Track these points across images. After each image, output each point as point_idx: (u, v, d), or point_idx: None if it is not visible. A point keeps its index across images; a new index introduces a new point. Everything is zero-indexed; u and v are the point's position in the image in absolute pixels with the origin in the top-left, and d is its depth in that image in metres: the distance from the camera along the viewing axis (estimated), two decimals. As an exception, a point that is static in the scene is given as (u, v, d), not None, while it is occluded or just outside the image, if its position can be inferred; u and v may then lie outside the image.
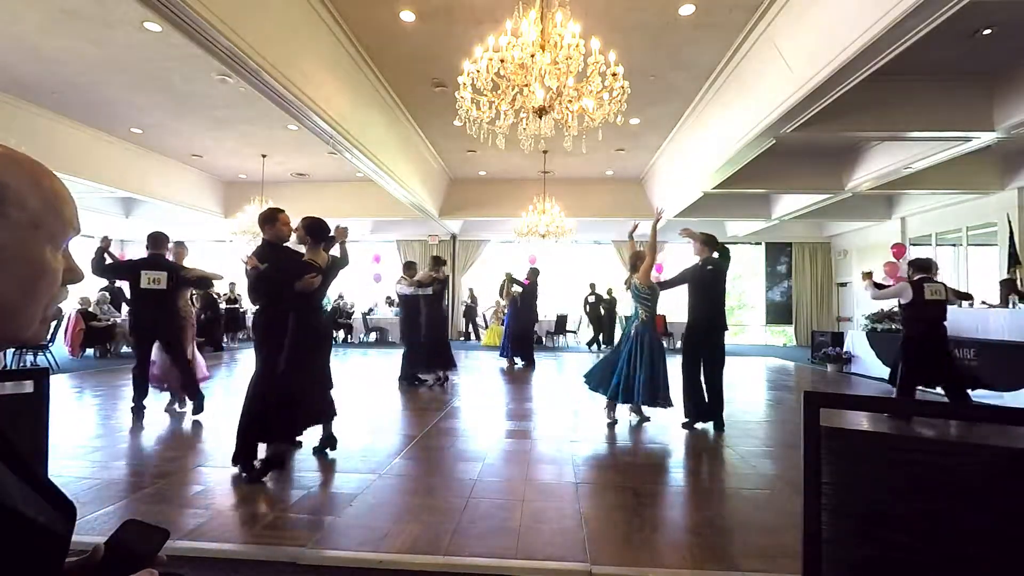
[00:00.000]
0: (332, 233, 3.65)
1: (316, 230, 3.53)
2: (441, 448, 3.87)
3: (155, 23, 5.20)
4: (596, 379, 4.84)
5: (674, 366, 4.63)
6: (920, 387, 5.30)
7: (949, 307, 5.10)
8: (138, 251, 13.33)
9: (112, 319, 9.89)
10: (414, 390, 6.41)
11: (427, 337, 6.70)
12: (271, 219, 3.40)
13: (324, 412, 3.68)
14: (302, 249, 3.57)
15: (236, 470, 3.21)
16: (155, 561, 0.72)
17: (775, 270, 15.39)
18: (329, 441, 3.69)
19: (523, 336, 9.10)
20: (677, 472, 3.44)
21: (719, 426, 4.52)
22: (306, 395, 3.49)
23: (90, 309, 9.53)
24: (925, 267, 5.11)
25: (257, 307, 3.43)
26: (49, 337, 7.69)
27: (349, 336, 13.67)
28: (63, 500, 0.61)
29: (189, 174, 11.40)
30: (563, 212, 9.97)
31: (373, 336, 13.82)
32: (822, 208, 10.88)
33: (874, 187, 9.09)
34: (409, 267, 7.03)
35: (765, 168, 8.63)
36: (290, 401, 3.30)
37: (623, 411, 4.83)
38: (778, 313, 15.38)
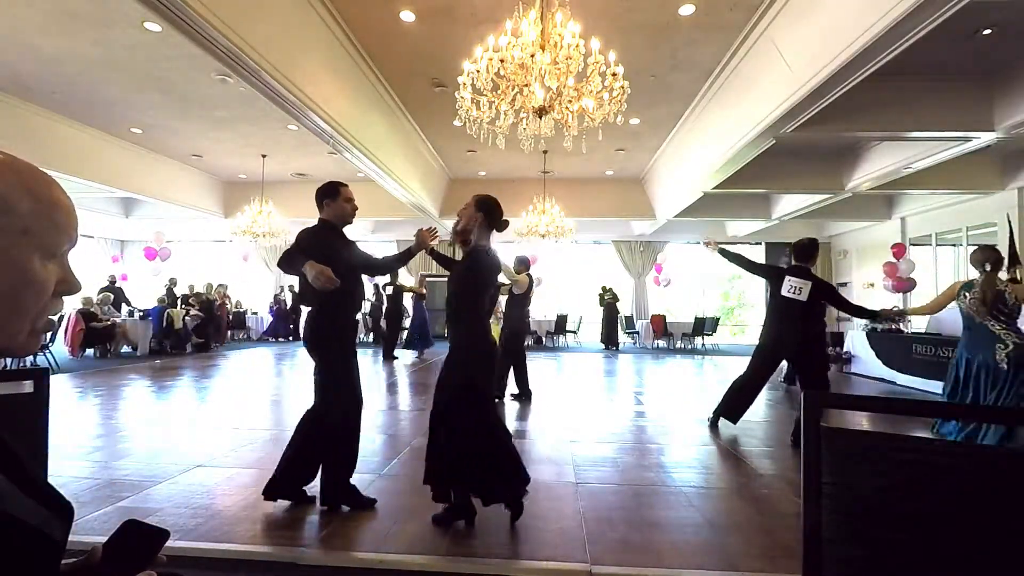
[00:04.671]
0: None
1: (495, 209, 2.57)
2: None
3: (155, 23, 5.20)
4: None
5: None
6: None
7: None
8: (138, 252, 13.32)
9: (112, 319, 9.88)
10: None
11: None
12: (332, 192, 2.68)
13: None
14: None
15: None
16: (155, 561, 0.72)
17: (775, 270, 15.37)
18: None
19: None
20: (677, 472, 3.43)
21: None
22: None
23: (91, 309, 9.52)
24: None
25: (315, 309, 2.64)
26: (49, 337, 7.69)
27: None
28: (60, 501, 0.60)
29: (189, 174, 11.39)
30: (563, 212, 9.97)
31: (372, 336, 13.81)
32: (822, 208, 10.86)
33: (874, 187, 9.08)
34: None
35: (765, 168, 8.63)
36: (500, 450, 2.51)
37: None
38: (778, 313, 15.35)
